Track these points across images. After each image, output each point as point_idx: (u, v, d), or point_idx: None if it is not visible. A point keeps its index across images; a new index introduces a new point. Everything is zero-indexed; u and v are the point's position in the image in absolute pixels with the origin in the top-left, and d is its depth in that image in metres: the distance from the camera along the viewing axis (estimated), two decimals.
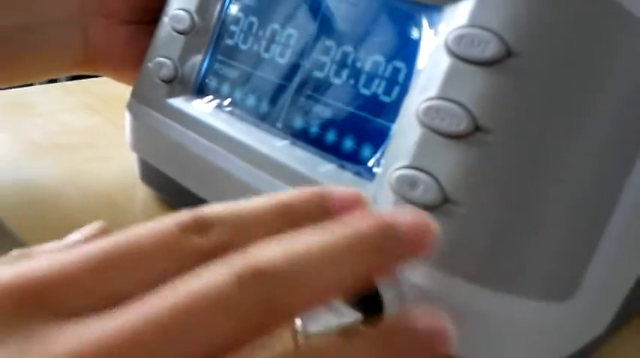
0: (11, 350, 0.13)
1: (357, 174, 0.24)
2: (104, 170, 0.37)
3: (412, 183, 0.21)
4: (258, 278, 0.14)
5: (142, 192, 0.35)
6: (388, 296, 0.22)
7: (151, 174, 0.34)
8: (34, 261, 0.14)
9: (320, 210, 0.17)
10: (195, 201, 0.30)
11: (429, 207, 0.20)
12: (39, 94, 0.48)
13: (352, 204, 0.17)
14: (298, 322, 0.21)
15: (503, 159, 0.20)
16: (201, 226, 0.15)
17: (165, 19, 0.32)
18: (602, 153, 0.19)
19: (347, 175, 0.24)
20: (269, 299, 0.14)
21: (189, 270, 0.14)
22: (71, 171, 0.37)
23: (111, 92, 0.48)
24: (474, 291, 0.20)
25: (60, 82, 0.55)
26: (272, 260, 0.14)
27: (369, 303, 0.22)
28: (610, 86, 0.19)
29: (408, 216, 0.16)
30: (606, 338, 0.24)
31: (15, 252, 0.17)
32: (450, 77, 0.21)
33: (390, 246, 0.16)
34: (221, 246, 0.15)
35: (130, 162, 0.35)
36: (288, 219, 0.16)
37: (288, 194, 0.17)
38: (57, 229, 0.31)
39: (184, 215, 0.15)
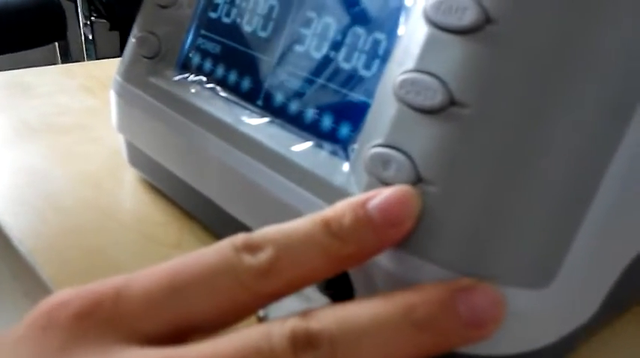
0: None
1: (333, 153, 0.22)
2: (94, 152, 0.37)
3: (385, 161, 0.20)
4: (310, 341, 0.15)
5: (130, 175, 0.35)
6: (358, 280, 0.20)
7: (137, 156, 0.33)
8: (116, 279, 0.16)
9: (362, 221, 0.17)
10: (180, 185, 0.30)
11: None
12: (38, 76, 0.48)
13: (395, 209, 0.18)
14: (262, 310, 0.20)
15: (479, 135, 0.18)
16: (251, 247, 0.16)
17: None
18: (587, 131, 0.18)
19: (323, 155, 0.23)
20: None
21: (249, 288, 0.16)
22: (61, 153, 0.37)
23: (111, 75, 0.48)
24: (446, 277, 0.18)
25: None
26: (326, 325, 0.15)
27: (338, 286, 0.21)
28: (598, 57, 0.17)
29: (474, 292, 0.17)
30: (597, 327, 0.22)
31: None
32: (428, 48, 0.19)
33: (447, 325, 0.16)
34: (271, 263, 0.16)
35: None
36: (333, 234, 0.17)
37: (331, 209, 0.18)
38: (40, 212, 0.31)
39: (238, 238, 0.17)
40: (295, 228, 0.17)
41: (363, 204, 0.17)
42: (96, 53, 1.80)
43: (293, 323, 0.15)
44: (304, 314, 0.16)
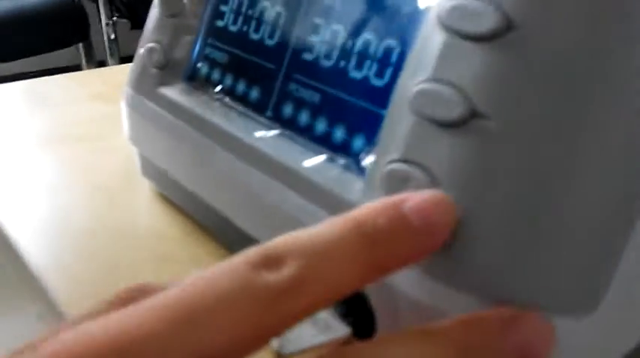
0: None
1: (346, 168, 0.21)
2: (107, 163, 0.36)
3: (404, 178, 0.18)
4: None
5: (143, 187, 0.34)
6: (380, 307, 0.19)
7: (150, 168, 0.32)
8: (120, 316, 0.14)
9: (399, 222, 0.15)
10: (192, 197, 0.29)
11: None
12: (54, 84, 0.48)
13: (432, 212, 0.16)
14: (275, 342, 0.19)
15: (505, 149, 0.17)
16: (272, 261, 0.14)
17: (156, 2, 0.30)
18: (624, 142, 0.16)
19: (335, 169, 0.21)
20: None
21: (270, 309, 0.14)
22: (74, 164, 0.36)
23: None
24: (476, 306, 0.17)
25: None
26: None
27: (358, 314, 0.20)
28: (629, 62, 0.16)
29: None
30: None
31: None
32: (444, 56, 0.18)
33: None
34: (295, 279, 0.14)
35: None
36: (366, 235, 0.15)
37: (361, 210, 0.16)
38: (50, 225, 0.30)
39: (253, 251, 0.15)
40: (321, 233, 0.15)
41: (399, 205, 0.16)
42: (119, 52, 1.82)
43: None
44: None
